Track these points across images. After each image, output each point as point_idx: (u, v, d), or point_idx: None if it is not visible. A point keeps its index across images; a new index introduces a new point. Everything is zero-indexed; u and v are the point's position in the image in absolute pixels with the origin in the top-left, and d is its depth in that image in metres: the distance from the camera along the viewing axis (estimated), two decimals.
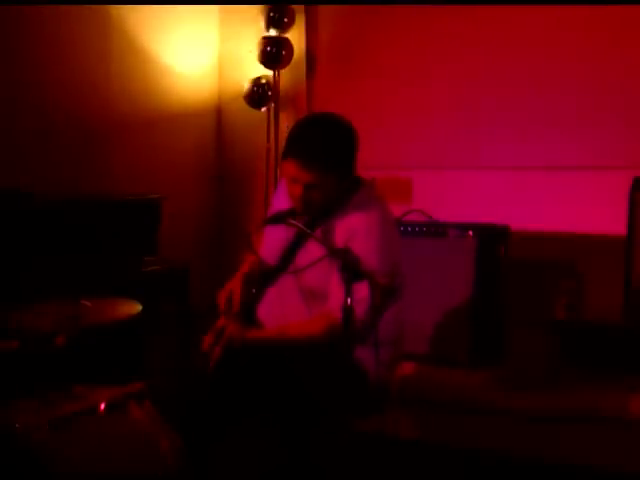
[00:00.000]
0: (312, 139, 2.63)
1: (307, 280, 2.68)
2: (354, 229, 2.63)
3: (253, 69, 4.82)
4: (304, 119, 2.81)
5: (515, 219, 3.98)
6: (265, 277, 2.84)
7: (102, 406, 2.41)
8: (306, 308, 2.70)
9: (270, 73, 4.78)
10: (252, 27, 4.80)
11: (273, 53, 4.68)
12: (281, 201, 2.83)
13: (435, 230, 3.92)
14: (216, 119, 5.07)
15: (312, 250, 2.63)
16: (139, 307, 2.61)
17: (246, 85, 4.81)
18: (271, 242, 2.85)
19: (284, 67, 4.76)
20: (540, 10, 4.18)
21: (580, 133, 4.20)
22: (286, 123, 4.64)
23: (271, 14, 4.69)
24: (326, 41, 4.87)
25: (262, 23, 4.71)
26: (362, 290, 2.35)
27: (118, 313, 2.56)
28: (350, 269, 2.30)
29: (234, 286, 2.81)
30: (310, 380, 2.56)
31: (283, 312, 2.75)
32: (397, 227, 2.89)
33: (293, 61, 4.77)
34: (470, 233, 3.82)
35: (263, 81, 4.78)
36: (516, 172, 4.32)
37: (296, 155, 2.61)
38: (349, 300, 2.27)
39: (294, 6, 4.75)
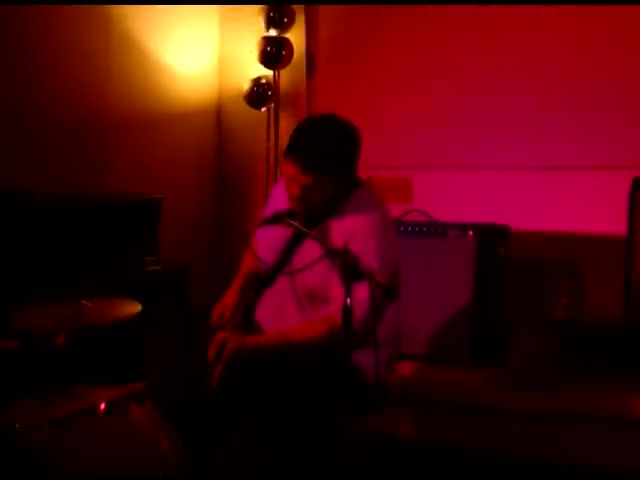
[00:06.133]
0: (312, 142, 2.63)
1: (305, 281, 2.68)
2: (353, 229, 2.63)
3: (253, 69, 4.81)
4: (307, 120, 2.81)
5: (515, 219, 3.98)
6: (263, 278, 2.84)
7: (102, 406, 2.42)
8: (303, 309, 2.70)
9: (270, 73, 4.78)
10: (252, 27, 4.80)
11: (273, 53, 4.67)
12: (279, 200, 2.83)
13: (435, 230, 3.92)
14: (216, 119, 5.06)
15: (310, 250, 2.63)
16: (139, 307, 2.61)
17: (246, 85, 4.81)
18: (269, 242, 2.85)
19: (284, 67, 4.75)
20: (540, 10, 4.18)
21: (580, 133, 4.19)
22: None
23: (271, 14, 4.68)
24: (326, 41, 4.86)
25: (262, 23, 4.71)
26: (362, 291, 2.35)
27: (118, 313, 2.56)
28: (349, 269, 2.30)
29: (227, 301, 2.81)
30: (309, 381, 2.56)
31: (280, 313, 2.75)
32: (395, 227, 2.89)
33: (293, 61, 4.77)
34: (470, 233, 3.81)
35: (263, 81, 4.78)
36: (516, 172, 4.32)
37: (295, 157, 2.62)
38: (349, 300, 2.27)
39: (294, 6, 4.74)
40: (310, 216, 2.69)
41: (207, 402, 2.61)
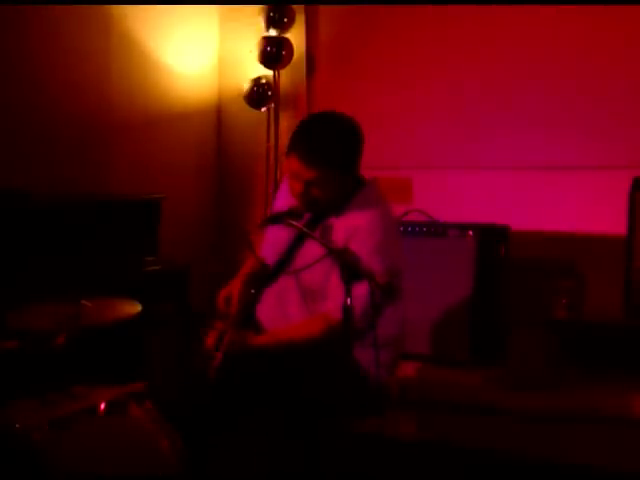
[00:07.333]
0: (315, 136, 2.64)
1: (307, 280, 2.68)
2: (356, 227, 2.63)
3: (253, 69, 4.81)
4: (310, 116, 2.81)
5: (515, 219, 3.98)
6: (265, 278, 2.84)
7: (102, 406, 2.42)
8: (306, 308, 2.70)
9: (270, 73, 4.77)
10: (252, 27, 4.80)
11: (273, 53, 4.67)
12: (282, 199, 2.83)
13: (435, 230, 3.92)
14: (216, 119, 5.06)
15: (312, 250, 2.63)
16: (139, 307, 2.61)
17: (246, 85, 4.80)
18: (272, 242, 2.85)
19: (284, 67, 4.75)
20: (540, 10, 4.18)
21: (580, 133, 4.19)
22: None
23: (271, 14, 4.68)
24: (326, 41, 4.86)
25: (262, 23, 4.71)
26: (361, 288, 2.35)
27: (118, 313, 2.56)
28: (349, 269, 2.29)
29: (233, 288, 2.81)
30: (310, 381, 2.56)
31: (283, 312, 2.74)
32: (398, 227, 2.89)
33: (293, 61, 4.77)
34: (470, 233, 3.82)
35: (263, 81, 4.78)
36: (516, 172, 4.32)
37: (298, 151, 2.62)
38: (349, 300, 2.27)
39: (294, 6, 4.74)
40: (313, 214, 2.69)
41: (207, 402, 2.61)
